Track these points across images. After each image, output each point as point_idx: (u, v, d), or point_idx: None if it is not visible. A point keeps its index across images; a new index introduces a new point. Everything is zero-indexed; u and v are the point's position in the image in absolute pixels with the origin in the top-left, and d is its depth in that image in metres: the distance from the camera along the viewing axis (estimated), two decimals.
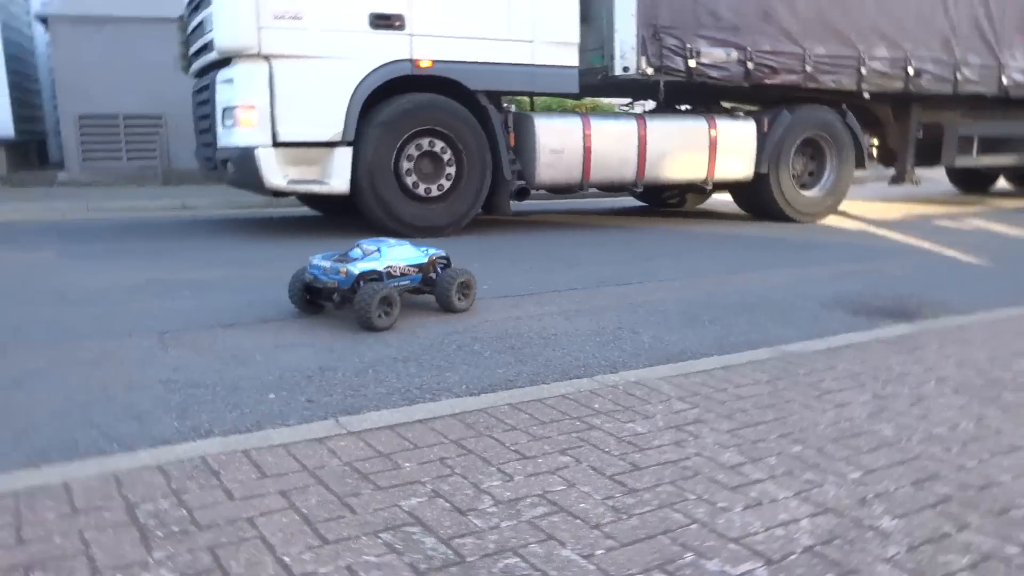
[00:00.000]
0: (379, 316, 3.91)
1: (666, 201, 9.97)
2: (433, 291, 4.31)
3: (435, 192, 6.85)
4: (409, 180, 6.69)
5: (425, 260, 4.27)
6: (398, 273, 4.15)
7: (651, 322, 4.29)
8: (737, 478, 2.14)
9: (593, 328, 4.15)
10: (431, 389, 3.15)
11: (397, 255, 4.19)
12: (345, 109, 6.20)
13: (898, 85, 8.40)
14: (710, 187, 8.24)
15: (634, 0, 7.03)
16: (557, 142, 7.13)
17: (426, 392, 3.11)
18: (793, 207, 8.40)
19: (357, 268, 3.99)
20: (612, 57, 7.20)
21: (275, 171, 6.14)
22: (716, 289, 5.17)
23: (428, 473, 2.16)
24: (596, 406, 2.73)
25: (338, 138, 6.25)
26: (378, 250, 4.13)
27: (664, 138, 7.62)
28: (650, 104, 9.41)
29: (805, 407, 2.74)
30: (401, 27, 6.30)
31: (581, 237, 7.60)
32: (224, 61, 6.35)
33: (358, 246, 4.18)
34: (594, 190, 8.24)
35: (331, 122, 6.19)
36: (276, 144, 6.10)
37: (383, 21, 6.26)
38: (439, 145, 6.75)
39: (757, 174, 8.11)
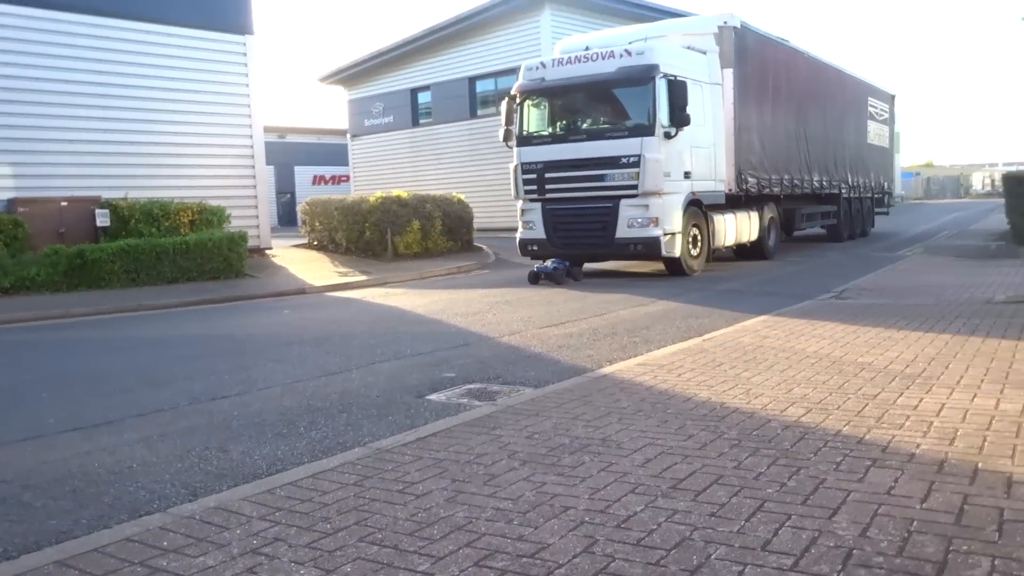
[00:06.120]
0: (567, 279, 12.39)
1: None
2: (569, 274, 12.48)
3: (696, 252, 13.14)
4: (688, 246, 12.83)
5: (565, 266, 12.45)
6: (562, 267, 12.43)
7: (243, 437, 4.07)
8: None
9: (177, 453, 3.81)
10: None
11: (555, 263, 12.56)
12: (680, 216, 12.42)
13: (789, 190, 16.59)
14: (749, 245, 15.29)
15: (734, 157, 14.01)
16: (722, 225, 13.81)
17: None
18: (768, 253, 15.94)
19: (552, 265, 12.47)
20: (723, 183, 14.07)
21: (665, 248, 12.18)
22: (317, 393, 5.09)
23: None
24: (165, 544, 2.47)
25: (678, 230, 12.39)
26: (561, 261, 12.57)
27: (742, 221, 14.66)
28: None
29: (388, 503, 2.78)
30: (690, 177, 12.77)
31: (176, 351, 7.07)
32: (617, 195, 12.44)
33: (547, 261, 12.69)
34: None
35: (677, 223, 12.37)
36: (664, 235, 12.16)
37: (687, 175, 12.67)
38: (698, 229, 13.17)
39: (759, 237, 15.53)
